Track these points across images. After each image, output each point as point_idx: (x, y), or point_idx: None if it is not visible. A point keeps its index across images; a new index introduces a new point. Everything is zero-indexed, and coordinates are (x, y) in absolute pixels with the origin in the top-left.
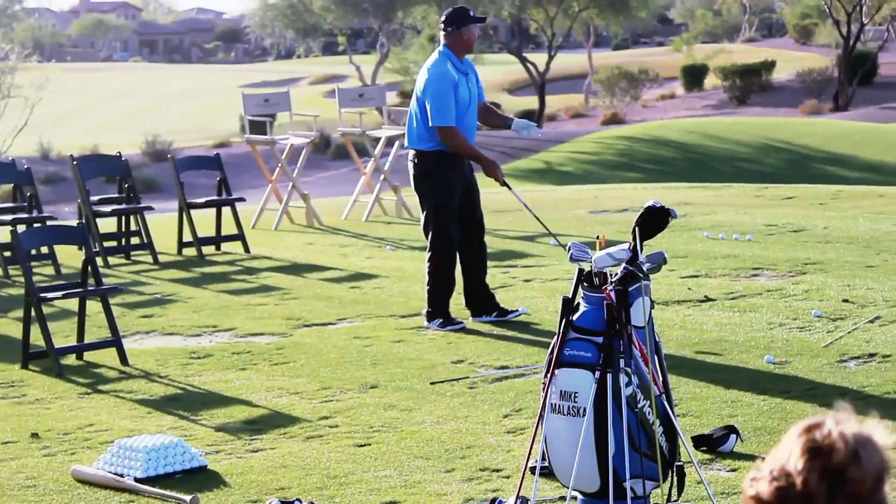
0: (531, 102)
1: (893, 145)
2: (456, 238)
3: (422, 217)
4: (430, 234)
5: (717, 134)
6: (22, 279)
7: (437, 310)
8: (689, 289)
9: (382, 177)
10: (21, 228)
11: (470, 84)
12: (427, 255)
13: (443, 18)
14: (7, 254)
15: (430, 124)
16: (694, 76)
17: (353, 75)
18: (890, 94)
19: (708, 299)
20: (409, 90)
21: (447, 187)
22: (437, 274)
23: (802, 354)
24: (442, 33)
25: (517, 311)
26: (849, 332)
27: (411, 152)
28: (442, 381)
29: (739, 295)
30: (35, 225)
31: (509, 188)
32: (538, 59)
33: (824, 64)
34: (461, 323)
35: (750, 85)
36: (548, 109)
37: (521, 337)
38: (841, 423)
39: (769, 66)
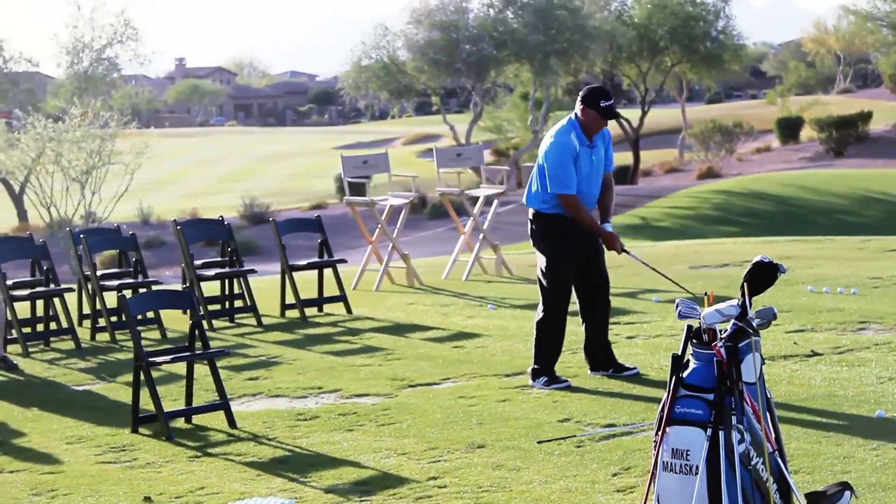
0: (626, 158)
1: None
2: (567, 297)
3: (538, 272)
4: (543, 289)
5: (814, 186)
6: (130, 344)
7: (543, 367)
8: (796, 343)
9: (482, 235)
10: (127, 294)
11: (595, 156)
12: (538, 310)
13: (582, 91)
14: (114, 319)
15: (549, 190)
16: (789, 129)
17: (448, 135)
18: None
19: (815, 354)
20: (503, 149)
21: (562, 245)
22: (546, 330)
23: None
24: (578, 102)
25: (634, 368)
26: None
27: (531, 210)
28: (549, 440)
29: (847, 349)
30: (141, 290)
31: (629, 253)
32: (632, 114)
33: None
34: (566, 381)
35: (846, 136)
36: (642, 164)
37: (626, 394)
38: None
39: (865, 116)
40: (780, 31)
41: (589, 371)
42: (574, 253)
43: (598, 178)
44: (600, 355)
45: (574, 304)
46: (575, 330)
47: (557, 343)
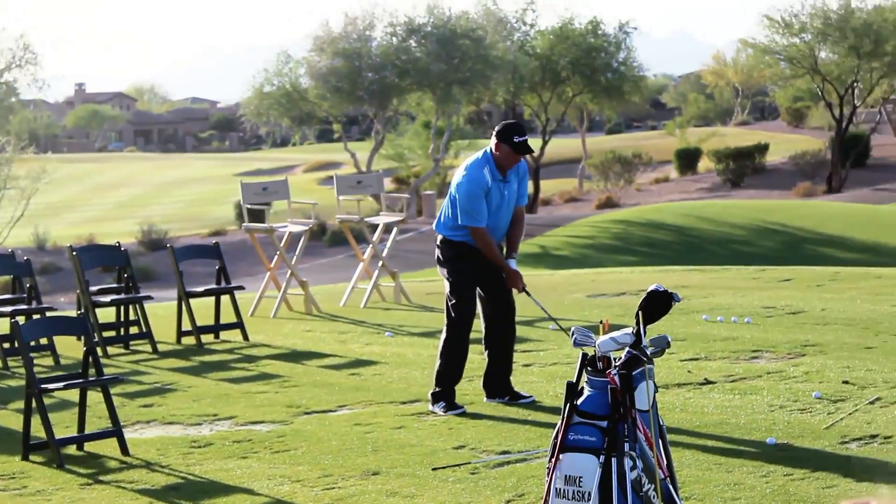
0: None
1: (888, 226)
2: (470, 321)
3: (445, 297)
4: (448, 313)
5: (712, 217)
6: (22, 370)
7: (444, 392)
8: (689, 371)
9: (381, 263)
10: (21, 320)
11: (507, 190)
12: (442, 335)
13: (497, 126)
14: (6, 345)
15: (460, 222)
16: (687, 159)
17: (349, 162)
18: (883, 176)
19: (708, 382)
20: (405, 177)
21: (468, 270)
22: (449, 355)
23: (804, 436)
24: (493, 137)
25: (530, 396)
26: (850, 414)
27: (438, 237)
28: (444, 467)
29: (739, 377)
30: (35, 316)
31: (529, 294)
32: (532, 143)
33: (817, 146)
34: (462, 408)
35: (744, 168)
36: (542, 194)
37: (521, 421)
38: None
39: (762, 148)
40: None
41: (485, 398)
42: (480, 278)
43: (508, 211)
44: (499, 383)
45: (477, 332)
46: (472, 357)
47: (459, 367)
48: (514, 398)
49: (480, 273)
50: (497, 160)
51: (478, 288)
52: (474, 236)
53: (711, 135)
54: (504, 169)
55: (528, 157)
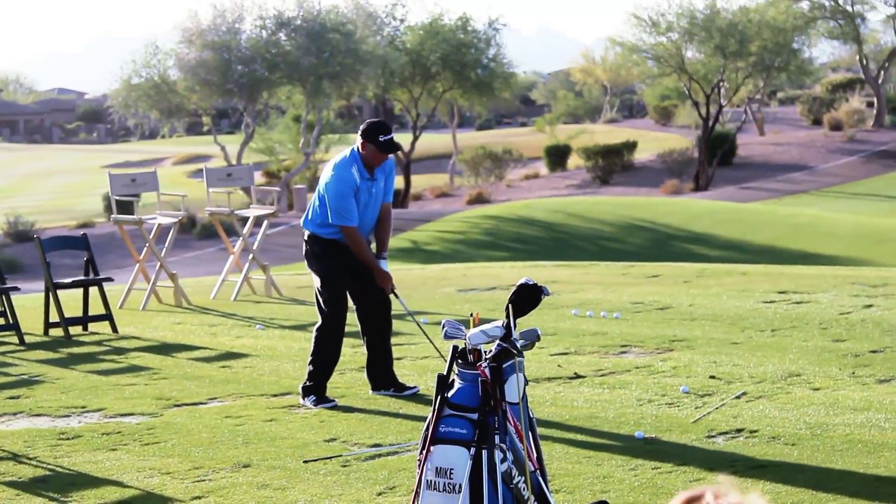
0: (397, 182)
1: (754, 224)
2: (343, 316)
3: (315, 292)
4: (320, 309)
5: (580, 213)
6: None
7: (315, 386)
8: (559, 366)
9: (251, 256)
10: None
11: (374, 188)
12: (314, 330)
13: (362, 125)
14: None
15: (331, 222)
16: (557, 156)
17: (219, 155)
18: (749, 174)
19: (578, 376)
20: (275, 170)
21: (337, 265)
22: (321, 350)
23: (672, 430)
24: (358, 136)
25: (415, 388)
26: (716, 408)
27: (306, 232)
28: (315, 460)
29: (608, 372)
30: None
31: (397, 297)
32: (403, 139)
33: (684, 144)
34: (334, 401)
35: (612, 165)
36: (413, 189)
37: (393, 414)
38: (720, 496)
39: (630, 146)
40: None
41: (371, 391)
42: (350, 274)
43: (376, 209)
44: (382, 374)
45: (352, 326)
46: (345, 351)
47: (331, 362)
48: (398, 389)
49: (351, 270)
50: (364, 159)
51: (350, 284)
52: (346, 235)
53: (581, 132)
54: (371, 167)
55: (398, 153)
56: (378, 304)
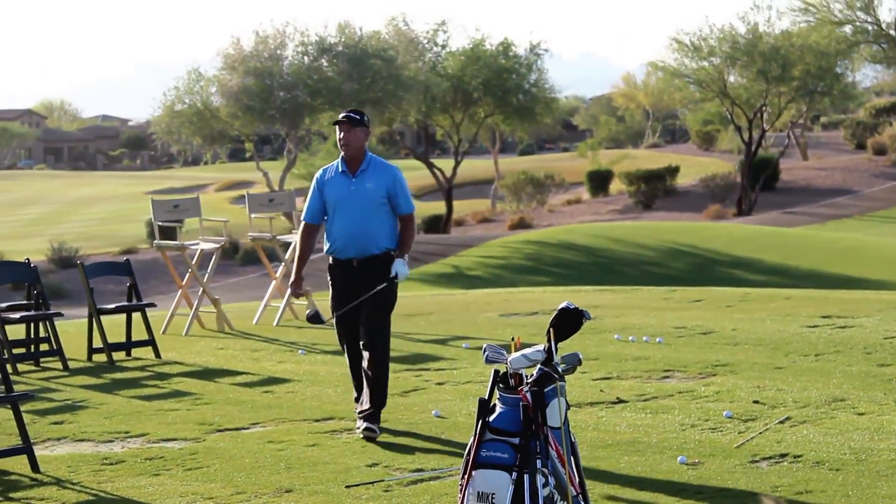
0: (439, 208)
1: (797, 249)
2: (346, 342)
3: None
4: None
5: (623, 238)
6: None
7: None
8: (602, 391)
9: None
10: None
11: (354, 186)
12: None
13: None
14: None
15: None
16: (599, 181)
17: (261, 181)
18: (792, 199)
19: (620, 401)
20: None
21: (332, 287)
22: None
23: (715, 455)
24: None
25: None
26: (760, 433)
27: None
28: (357, 485)
29: (651, 396)
30: None
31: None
32: (445, 164)
33: (727, 169)
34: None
35: (654, 190)
36: (455, 214)
37: (435, 439)
38: None
39: (673, 171)
40: (591, 85)
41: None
42: (341, 295)
43: (360, 211)
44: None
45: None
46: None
47: (355, 384)
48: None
49: (336, 295)
50: (344, 154)
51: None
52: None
53: (623, 157)
54: (351, 164)
55: (432, 173)
56: (366, 334)
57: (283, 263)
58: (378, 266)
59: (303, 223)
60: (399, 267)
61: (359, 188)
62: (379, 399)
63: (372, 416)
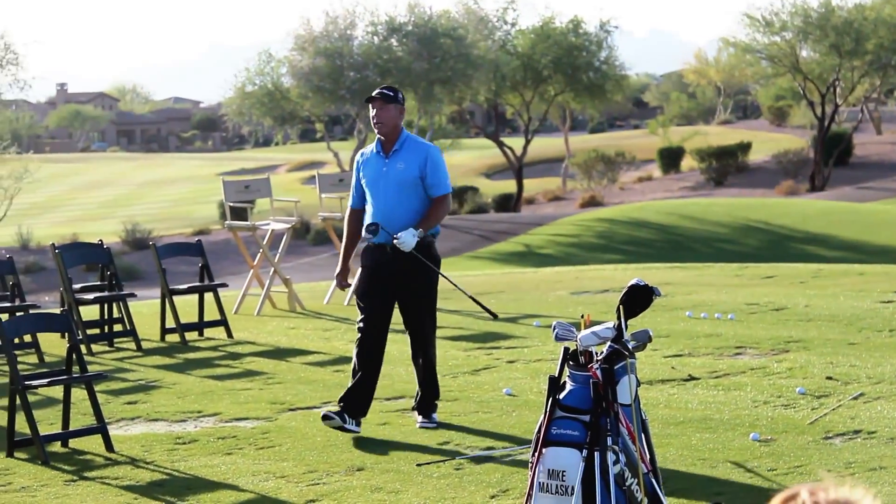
0: (509, 186)
1: (871, 224)
2: (365, 331)
3: None
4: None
5: (695, 215)
6: (6, 368)
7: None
8: (673, 368)
9: None
10: (4, 317)
11: (387, 167)
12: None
13: None
14: None
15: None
16: (670, 158)
17: (332, 161)
18: (865, 174)
19: (692, 378)
20: None
21: (362, 269)
22: (353, 369)
23: (788, 432)
24: None
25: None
26: (833, 409)
27: None
28: (428, 463)
29: (723, 373)
30: (18, 313)
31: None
32: (515, 143)
33: (800, 145)
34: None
35: (726, 166)
36: (526, 192)
37: (505, 417)
38: (817, 492)
39: (745, 147)
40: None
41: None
42: (374, 285)
43: (395, 192)
44: (420, 403)
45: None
46: (457, 354)
47: (362, 382)
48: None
49: (367, 281)
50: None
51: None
52: None
53: (694, 133)
54: (385, 144)
55: (503, 152)
56: (411, 330)
57: None
58: (413, 251)
59: (349, 209)
60: (406, 235)
61: (391, 169)
62: (430, 394)
63: (422, 408)
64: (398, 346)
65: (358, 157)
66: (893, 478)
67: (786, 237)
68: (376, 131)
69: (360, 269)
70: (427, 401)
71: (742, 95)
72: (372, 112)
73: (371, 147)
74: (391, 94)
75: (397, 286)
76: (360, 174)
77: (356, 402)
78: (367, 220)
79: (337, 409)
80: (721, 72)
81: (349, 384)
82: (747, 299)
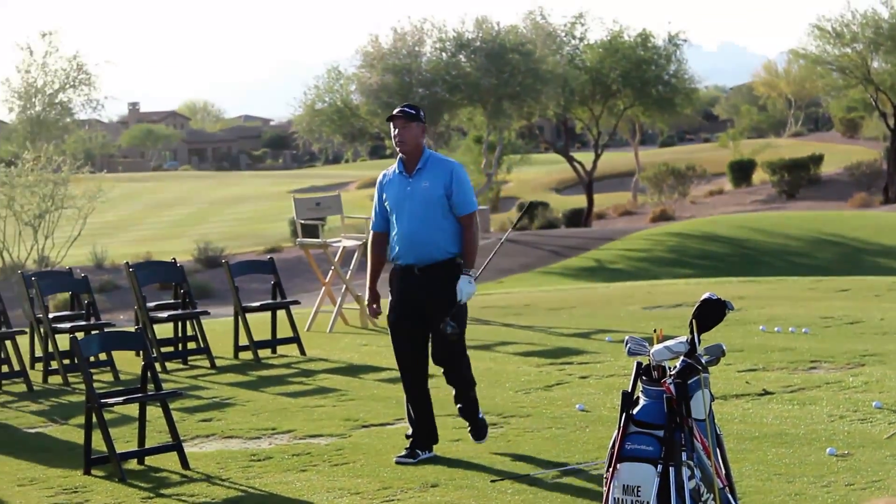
0: (579, 201)
1: None
2: (400, 359)
3: None
4: None
5: (767, 228)
6: (82, 386)
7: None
8: (748, 382)
9: None
10: (80, 336)
11: (411, 186)
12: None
13: None
14: (66, 361)
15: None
16: (742, 171)
17: None
18: None
19: (766, 393)
20: None
21: (391, 294)
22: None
23: (865, 446)
24: None
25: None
26: None
27: None
28: (502, 479)
29: (798, 388)
30: (93, 332)
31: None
32: (585, 157)
33: (872, 156)
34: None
35: (798, 179)
36: (596, 207)
37: (579, 433)
38: None
39: (817, 159)
40: (731, 75)
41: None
42: (401, 305)
43: (420, 214)
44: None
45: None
46: (529, 370)
47: (414, 411)
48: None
49: (396, 309)
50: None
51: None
52: None
53: (765, 146)
54: (406, 161)
55: (572, 167)
56: (436, 350)
57: None
58: (441, 273)
59: (371, 232)
60: (464, 285)
61: (415, 188)
62: (470, 413)
63: (474, 431)
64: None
65: (379, 177)
66: None
67: (859, 250)
68: (398, 150)
69: (390, 296)
70: (475, 422)
71: (813, 107)
72: (394, 131)
73: (393, 167)
74: (413, 112)
75: (426, 308)
76: (383, 196)
77: (422, 435)
78: (393, 242)
79: (405, 451)
80: (791, 84)
81: (407, 419)
82: (822, 313)
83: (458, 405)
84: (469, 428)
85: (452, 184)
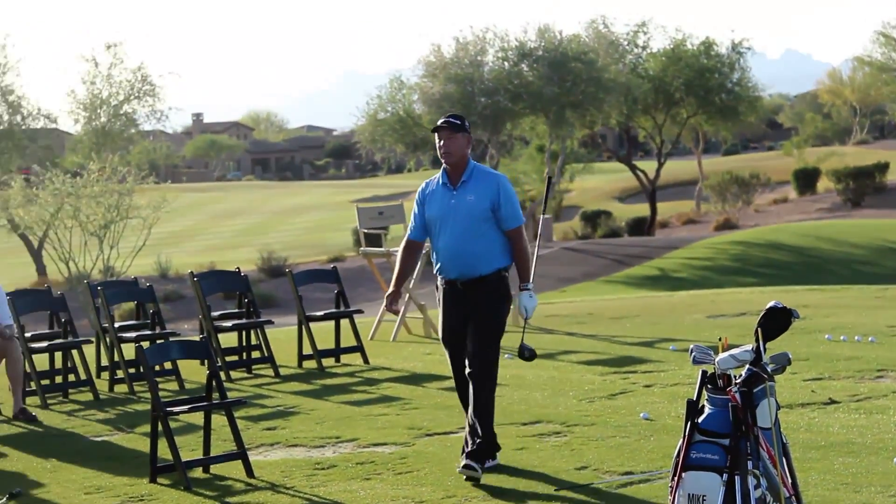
0: (642, 210)
1: None
2: (454, 369)
3: None
4: None
5: (832, 237)
6: (147, 395)
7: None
8: (813, 391)
9: None
10: (145, 345)
11: (455, 199)
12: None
13: None
14: (132, 370)
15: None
16: (806, 180)
17: None
18: None
19: (833, 402)
20: (520, 201)
21: (441, 317)
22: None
23: None
24: None
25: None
26: None
27: None
28: (567, 488)
29: (865, 397)
30: (159, 341)
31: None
32: (648, 166)
33: None
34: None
35: (864, 187)
36: (659, 216)
37: (643, 441)
38: None
39: (882, 167)
40: (795, 83)
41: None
42: (448, 316)
43: (464, 227)
44: (471, 450)
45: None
46: (593, 378)
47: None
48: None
49: (444, 319)
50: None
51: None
52: None
53: (830, 154)
54: (452, 175)
55: (635, 175)
56: (469, 360)
57: None
58: (487, 288)
59: (405, 239)
60: (525, 301)
61: (460, 201)
62: (483, 435)
63: (473, 453)
64: (532, 370)
65: (421, 186)
66: None
67: None
68: (443, 161)
69: (440, 300)
70: (483, 445)
71: (879, 115)
72: (439, 142)
73: (436, 178)
74: (458, 122)
75: (471, 317)
76: (424, 207)
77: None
78: (436, 256)
79: (465, 461)
80: (856, 91)
81: (469, 428)
82: (888, 321)
83: (473, 422)
84: (471, 450)
85: (500, 197)
